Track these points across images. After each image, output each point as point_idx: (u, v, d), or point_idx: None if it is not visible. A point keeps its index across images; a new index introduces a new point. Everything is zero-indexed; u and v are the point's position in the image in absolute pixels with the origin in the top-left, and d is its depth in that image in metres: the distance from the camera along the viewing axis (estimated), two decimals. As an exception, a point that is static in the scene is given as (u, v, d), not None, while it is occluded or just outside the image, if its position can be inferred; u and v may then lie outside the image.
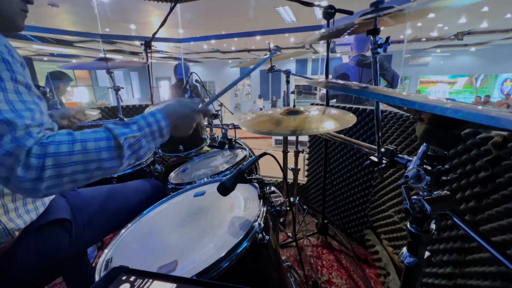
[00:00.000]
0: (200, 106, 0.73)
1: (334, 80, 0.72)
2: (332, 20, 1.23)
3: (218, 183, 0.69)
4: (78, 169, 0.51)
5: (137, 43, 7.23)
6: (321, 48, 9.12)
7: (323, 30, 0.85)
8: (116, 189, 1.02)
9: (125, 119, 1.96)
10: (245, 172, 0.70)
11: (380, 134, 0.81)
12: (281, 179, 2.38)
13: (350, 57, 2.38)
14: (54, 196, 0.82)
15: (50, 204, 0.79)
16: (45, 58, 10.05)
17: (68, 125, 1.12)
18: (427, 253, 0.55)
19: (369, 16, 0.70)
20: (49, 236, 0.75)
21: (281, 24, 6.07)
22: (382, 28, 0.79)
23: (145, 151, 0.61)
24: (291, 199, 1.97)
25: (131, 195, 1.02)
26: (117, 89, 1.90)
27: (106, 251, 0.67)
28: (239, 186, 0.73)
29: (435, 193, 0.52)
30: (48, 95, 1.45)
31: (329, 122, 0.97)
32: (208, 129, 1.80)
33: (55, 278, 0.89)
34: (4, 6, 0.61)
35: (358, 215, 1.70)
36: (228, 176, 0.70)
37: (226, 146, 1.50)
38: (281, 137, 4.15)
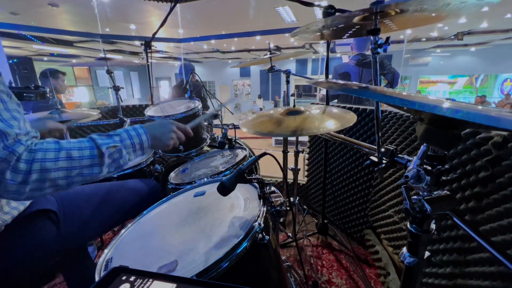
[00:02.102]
0: (178, 125, 0.82)
1: (334, 80, 0.72)
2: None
3: (218, 183, 0.69)
4: (61, 175, 0.55)
5: (137, 43, 7.23)
6: (321, 48, 9.12)
7: (320, 23, 0.83)
8: (110, 186, 1.02)
9: (125, 119, 1.96)
10: (245, 172, 0.70)
11: (380, 134, 0.81)
12: (281, 179, 2.38)
13: (350, 56, 2.38)
14: None
15: (36, 199, 0.79)
16: (45, 58, 10.05)
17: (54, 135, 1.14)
18: (427, 253, 0.55)
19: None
20: (34, 227, 0.75)
21: (281, 24, 6.06)
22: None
23: (125, 161, 0.66)
24: (291, 199, 1.97)
25: (125, 193, 1.02)
26: (117, 89, 1.90)
27: (106, 251, 0.67)
28: (239, 186, 0.73)
29: (435, 193, 0.52)
30: (48, 95, 1.45)
31: (330, 121, 0.97)
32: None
33: (52, 274, 0.89)
34: None
35: (358, 215, 1.70)
36: (228, 176, 0.70)
37: (226, 146, 1.50)
38: (281, 137, 4.15)
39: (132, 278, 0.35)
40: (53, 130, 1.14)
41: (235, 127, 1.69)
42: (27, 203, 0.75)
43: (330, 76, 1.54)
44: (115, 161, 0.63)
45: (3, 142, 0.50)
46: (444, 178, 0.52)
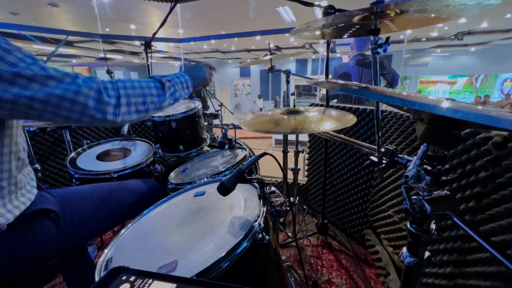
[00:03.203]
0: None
1: (334, 80, 0.72)
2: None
3: (218, 183, 0.69)
4: (139, 100, 0.70)
5: (137, 43, 7.23)
6: (321, 48, 9.12)
7: (321, 22, 0.82)
8: (110, 186, 1.02)
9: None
10: (245, 172, 0.70)
11: (380, 134, 0.81)
12: (281, 179, 2.38)
13: (350, 56, 2.38)
14: (37, 191, 0.83)
15: (36, 199, 0.79)
16: (45, 58, 10.03)
17: None
18: (427, 253, 0.55)
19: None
20: (34, 226, 0.76)
21: (281, 24, 6.07)
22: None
23: (179, 95, 0.84)
24: (291, 199, 1.97)
25: (125, 193, 1.02)
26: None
27: (106, 251, 0.67)
28: (239, 186, 0.73)
29: (435, 193, 0.52)
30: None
31: (329, 122, 0.97)
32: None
33: (52, 274, 0.89)
34: None
35: (358, 215, 1.70)
36: (228, 176, 0.70)
37: (226, 146, 1.50)
38: (281, 137, 4.15)
39: (132, 278, 0.35)
40: None
41: (235, 127, 1.69)
42: (27, 203, 0.75)
43: (330, 76, 1.54)
44: (172, 94, 0.80)
45: (78, 78, 0.60)
46: (444, 178, 0.52)
